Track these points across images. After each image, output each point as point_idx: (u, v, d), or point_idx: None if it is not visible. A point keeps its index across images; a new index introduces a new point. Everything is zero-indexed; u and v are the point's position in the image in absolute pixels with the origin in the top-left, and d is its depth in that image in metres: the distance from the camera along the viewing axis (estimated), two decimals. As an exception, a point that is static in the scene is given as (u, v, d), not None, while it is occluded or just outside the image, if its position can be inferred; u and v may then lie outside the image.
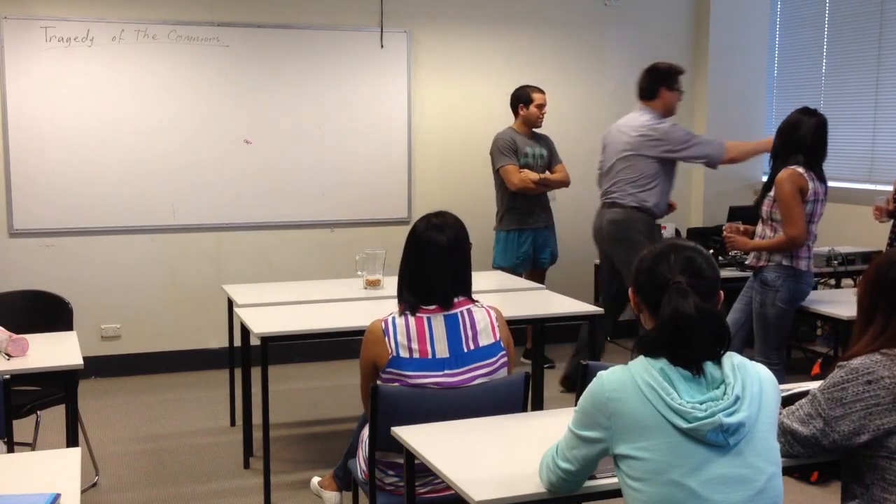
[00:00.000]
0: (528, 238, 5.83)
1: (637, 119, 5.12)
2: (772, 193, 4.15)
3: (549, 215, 5.94)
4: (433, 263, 2.86)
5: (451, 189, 6.30)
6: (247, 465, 4.27)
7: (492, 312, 2.91)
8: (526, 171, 5.72)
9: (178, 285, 5.88)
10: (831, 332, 5.78)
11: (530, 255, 5.86)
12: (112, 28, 5.58)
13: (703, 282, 1.98)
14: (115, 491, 4.02)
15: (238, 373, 4.37)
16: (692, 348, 1.91)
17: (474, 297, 2.95)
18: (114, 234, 5.73)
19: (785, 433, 2.26)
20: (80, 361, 3.31)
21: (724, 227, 4.49)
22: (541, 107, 5.78)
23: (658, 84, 5.13)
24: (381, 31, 6.09)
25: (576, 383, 2.94)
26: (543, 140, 5.90)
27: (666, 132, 5.04)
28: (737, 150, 5.18)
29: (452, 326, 2.83)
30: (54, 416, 3.89)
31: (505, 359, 2.89)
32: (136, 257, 5.80)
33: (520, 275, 5.56)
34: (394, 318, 2.84)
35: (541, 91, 5.81)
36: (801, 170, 4.09)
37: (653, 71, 5.20)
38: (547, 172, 5.85)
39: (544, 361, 5.14)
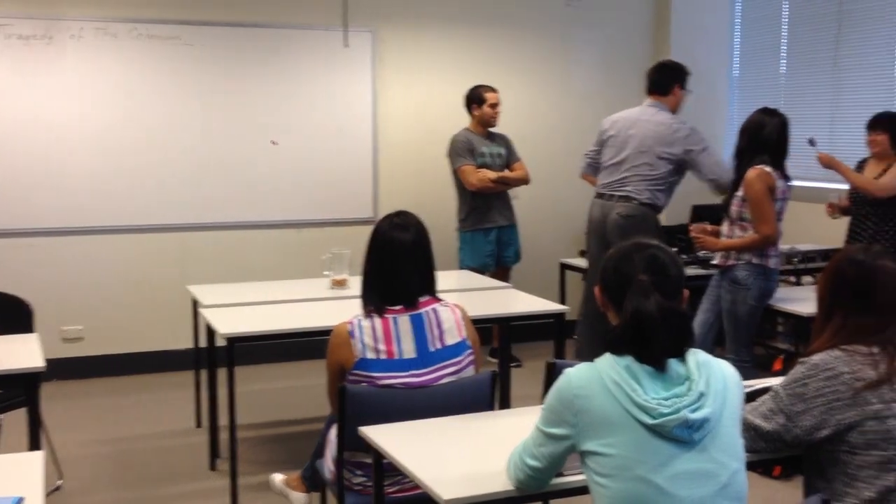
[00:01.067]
0: (492, 237, 5.86)
1: (657, 114, 5.01)
2: (740, 193, 4.20)
3: (511, 213, 5.97)
4: (399, 263, 2.86)
5: (417, 188, 6.30)
6: (213, 467, 4.24)
7: (457, 311, 2.92)
8: (483, 170, 5.75)
9: (141, 286, 5.82)
10: (792, 329, 5.86)
11: (496, 253, 5.89)
12: (71, 26, 5.52)
13: (666, 279, 2.01)
14: (78, 494, 3.98)
15: (204, 374, 4.34)
16: (654, 346, 1.93)
17: (439, 296, 2.96)
18: (75, 235, 5.67)
19: (748, 429, 2.29)
20: (42, 364, 3.27)
21: (690, 228, 4.47)
22: (494, 106, 5.81)
23: (673, 80, 5.06)
24: (346, 31, 6.08)
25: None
26: (500, 139, 5.93)
27: (690, 132, 4.96)
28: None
29: (418, 326, 2.83)
30: (16, 420, 3.83)
31: (472, 357, 2.90)
32: (99, 258, 5.73)
33: (485, 274, 5.58)
34: (359, 321, 2.84)
35: (493, 90, 5.84)
36: (768, 169, 4.14)
37: (668, 66, 5.15)
38: (506, 171, 5.88)
39: (511, 360, 5.16)
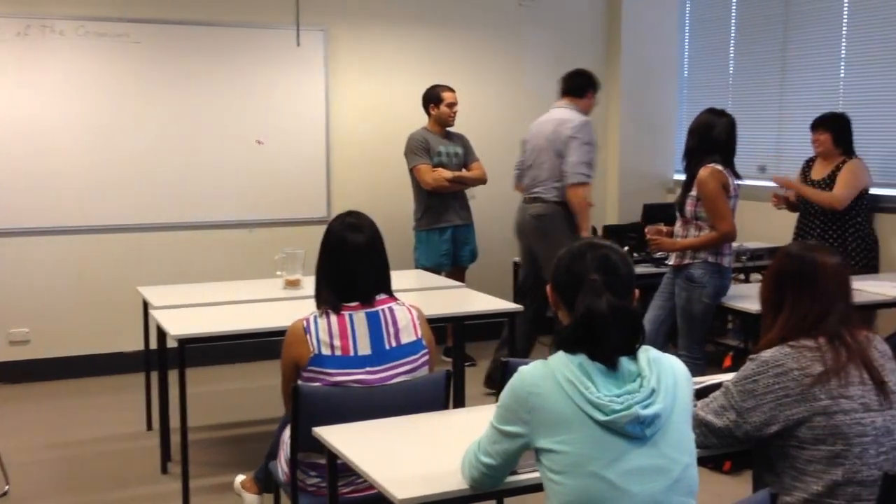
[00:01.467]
0: (448, 236, 5.87)
1: (564, 112, 5.18)
2: (694, 192, 4.21)
3: (467, 213, 5.98)
4: (353, 263, 2.86)
5: (370, 188, 6.28)
6: (165, 470, 4.19)
7: (413, 311, 2.93)
8: (440, 169, 5.76)
9: (90, 288, 5.73)
10: (742, 326, 5.94)
11: (451, 252, 5.89)
12: (16, 23, 5.41)
13: (618, 279, 2.03)
14: (27, 500, 3.91)
15: (155, 376, 4.28)
16: (605, 344, 1.95)
17: (396, 295, 2.96)
18: (21, 236, 5.56)
19: (700, 425, 2.32)
20: (-12, 368, 3.21)
21: (646, 230, 4.48)
22: (451, 105, 5.83)
23: (589, 85, 5.25)
24: (298, 29, 6.04)
25: (495, 381, 2.95)
26: (458, 138, 5.94)
27: (583, 124, 5.11)
28: (583, 204, 5.09)
29: (374, 324, 2.83)
30: (-40, 425, 3.76)
31: (426, 357, 2.91)
32: (46, 259, 5.63)
33: (441, 273, 5.59)
34: (315, 317, 2.83)
35: (451, 90, 5.85)
36: (720, 167, 4.19)
37: (585, 72, 5.32)
38: (463, 170, 5.90)
39: (465, 359, 5.17)
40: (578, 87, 5.25)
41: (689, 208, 4.26)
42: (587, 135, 5.10)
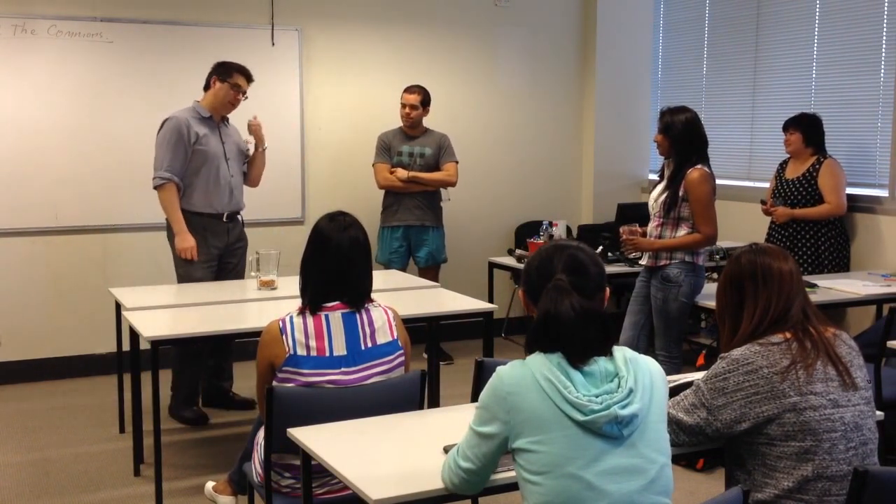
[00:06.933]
0: (399, 235, 5.89)
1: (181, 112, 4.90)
2: (681, 193, 4.20)
3: (425, 213, 5.91)
4: (356, 264, 2.86)
5: (345, 188, 6.27)
6: (137, 473, 4.15)
7: (389, 312, 2.93)
8: (398, 170, 5.79)
9: (62, 289, 5.68)
10: (715, 325, 5.98)
11: (403, 252, 5.91)
12: (-13, 22, 5.35)
13: (586, 278, 2.04)
14: (-3, 504, 3.87)
15: (127, 378, 4.25)
16: (572, 345, 1.96)
17: (371, 297, 2.96)
18: (-9, 237, 5.51)
19: (671, 422, 2.33)
20: (-42, 370, 3.17)
21: (621, 230, 4.45)
22: (405, 107, 5.81)
23: (212, 74, 4.89)
24: (272, 29, 6.02)
25: None
26: (432, 138, 5.91)
27: (162, 124, 4.77)
28: (164, 206, 4.76)
29: (350, 324, 2.83)
30: (-71, 429, 3.71)
31: (402, 358, 2.91)
32: (17, 260, 5.57)
33: (393, 269, 5.65)
34: (291, 318, 2.82)
35: (409, 91, 5.84)
36: (707, 169, 4.21)
37: (216, 65, 4.92)
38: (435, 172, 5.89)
39: (441, 357, 5.19)
40: (206, 82, 4.87)
41: (666, 207, 4.24)
42: (161, 135, 4.78)
